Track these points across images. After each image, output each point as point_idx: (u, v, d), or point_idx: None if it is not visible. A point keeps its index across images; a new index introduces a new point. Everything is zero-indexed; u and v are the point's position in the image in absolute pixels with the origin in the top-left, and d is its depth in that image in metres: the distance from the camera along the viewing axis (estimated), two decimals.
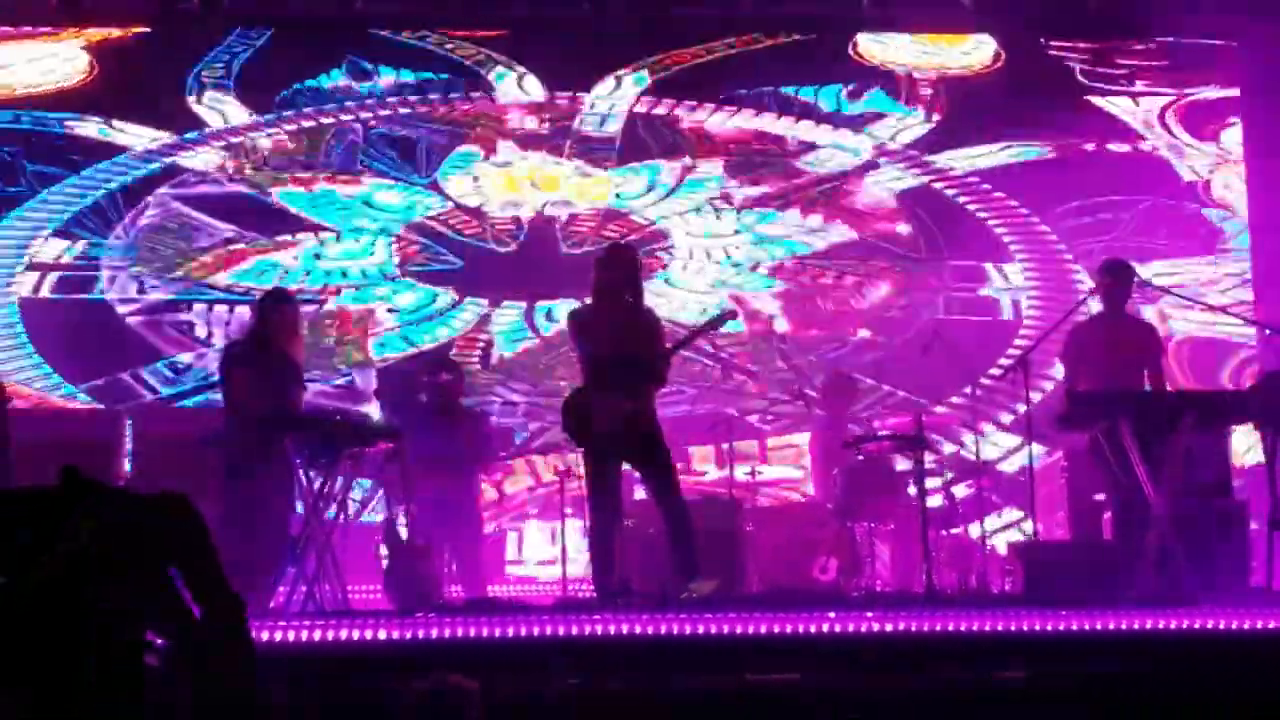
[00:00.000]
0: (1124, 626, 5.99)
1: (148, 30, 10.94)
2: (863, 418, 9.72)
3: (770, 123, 11.20)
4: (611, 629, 5.95)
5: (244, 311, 10.03)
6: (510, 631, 5.87)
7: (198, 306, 10.48)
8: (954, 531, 8.91)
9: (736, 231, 11.02)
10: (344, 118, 10.99)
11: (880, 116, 11.29)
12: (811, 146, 11.18)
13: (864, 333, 10.74)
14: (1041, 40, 11.38)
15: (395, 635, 5.82)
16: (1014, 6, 11.27)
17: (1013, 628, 5.99)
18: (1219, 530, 7.56)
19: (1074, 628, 5.96)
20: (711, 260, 10.88)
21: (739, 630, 5.92)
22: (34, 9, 10.84)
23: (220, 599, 3.59)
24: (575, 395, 7.31)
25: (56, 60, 10.92)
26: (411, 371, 9.51)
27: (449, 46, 11.24)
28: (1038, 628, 5.98)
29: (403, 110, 11.07)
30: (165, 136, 10.81)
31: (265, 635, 5.62)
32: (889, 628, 5.96)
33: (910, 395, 10.25)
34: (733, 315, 8.09)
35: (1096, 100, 11.30)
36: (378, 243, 10.73)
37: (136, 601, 3.51)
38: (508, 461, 9.64)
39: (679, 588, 6.89)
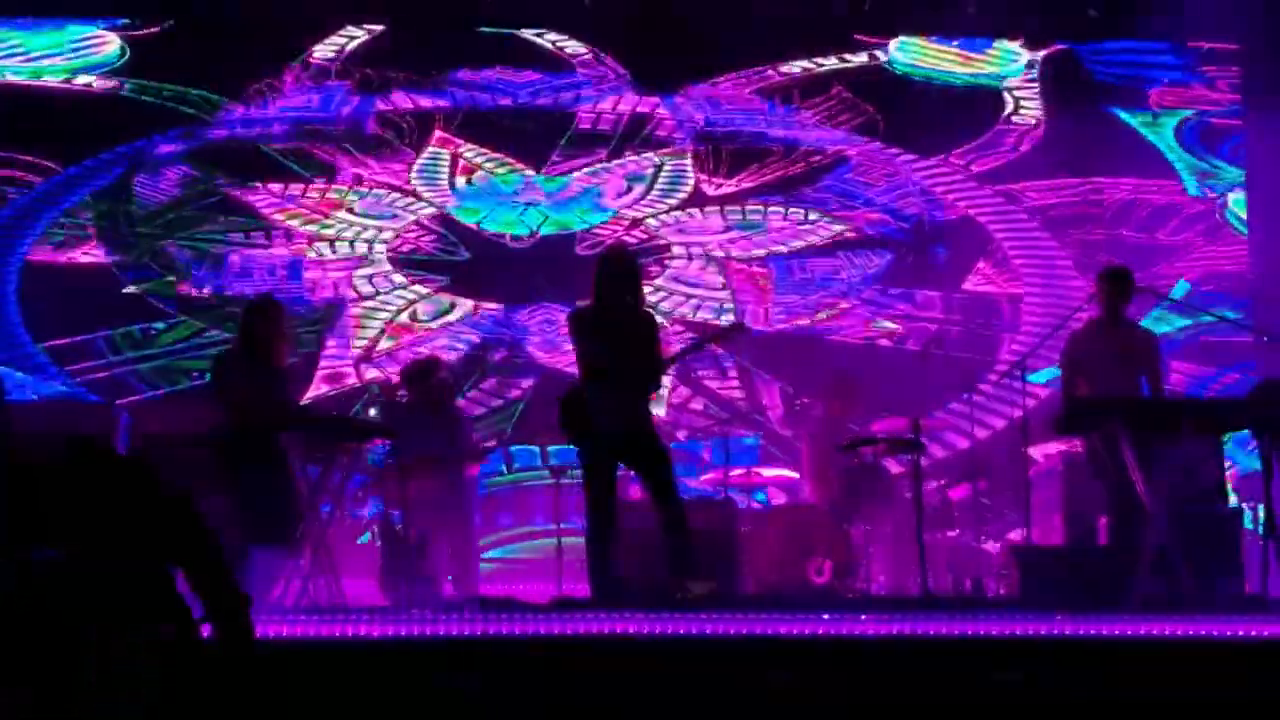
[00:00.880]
0: (1119, 633, 5.98)
1: None
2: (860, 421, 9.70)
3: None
4: (606, 629, 5.94)
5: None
6: (504, 630, 5.86)
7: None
8: (950, 534, 8.91)
9: (727, 229, 11.05)
10: None
11: None
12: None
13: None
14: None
15: (390, 632, 5.81)
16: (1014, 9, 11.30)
17: (1008, 632, 5.97)
18: (1214, 537, 7.58)
19: (1069, 633, 5.95)
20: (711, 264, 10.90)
21: (733, 631, 5.91)
22: None
23: (225, 595, 3.58)
24: (572, 394, 7.30)
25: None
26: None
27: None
28: (1033, 633, 5.96)
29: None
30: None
31: (260, 630, 5.60)
32: (884, 631, 5.95)
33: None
34: (740, 330, 8.13)
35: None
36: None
37: (136, 597, 3.51)
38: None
39: (674, 588, 6.89)
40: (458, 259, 10.85)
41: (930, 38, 11.47)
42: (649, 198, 11.12)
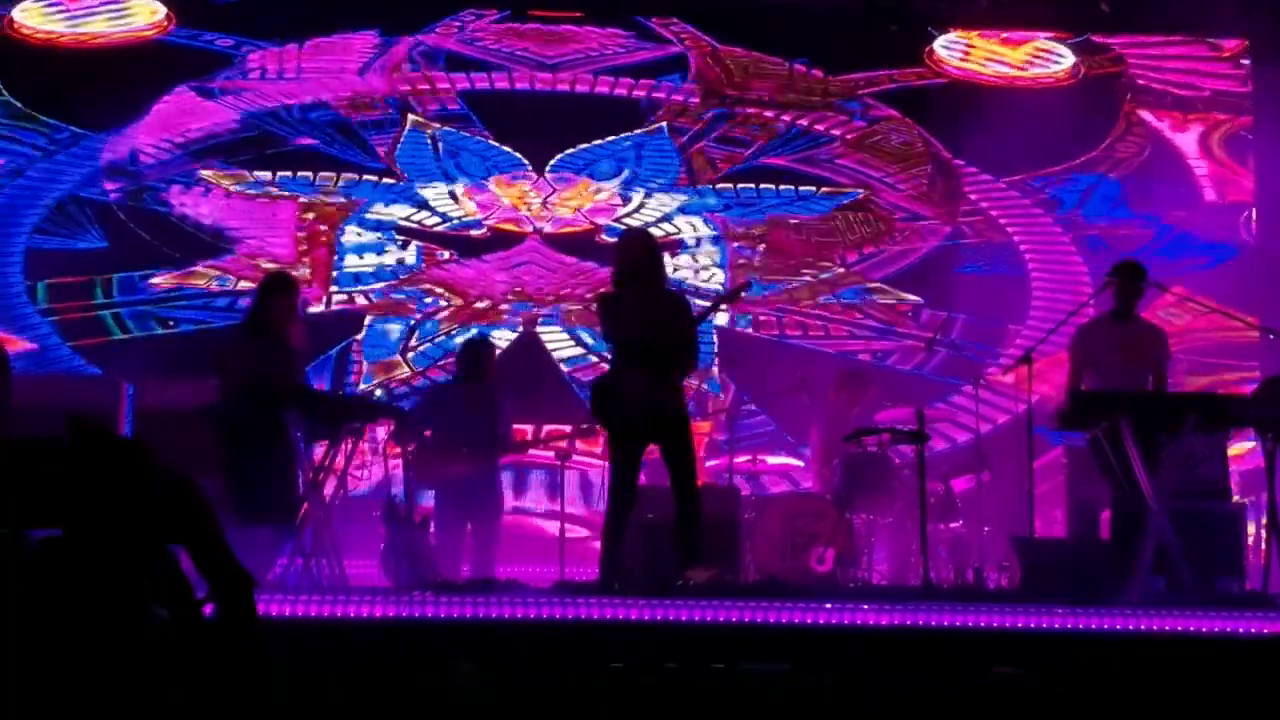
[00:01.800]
0: (1120, 627, 5.99)
1: None
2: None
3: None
4: (609, 613, 5.95)
5: None
6: (506, 613, 5.87)
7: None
8: (952, 525, 8.92)
9: (727, 207, 11.06)
10: None
11: None
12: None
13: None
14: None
15: (391, 613, 5.82)
16: None
17: (1009, 625, 5.98)
18: (1217, 533, 7.57)
19: (1071, 627, 5.96)
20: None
21: (734, 619, 5.92)
22: None
23: (228, 575, 3.59)
24: (604, 376, 7.33)
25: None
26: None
27: None
28: (1034, 625, 5.97)
29: None
30: None
31: (261, 609, 5.61)
32: (885, 621, 5.95)
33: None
34: (746, 286, 8.15)
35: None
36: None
37: (137, 577, 3.51)
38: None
39: (677, 573, 6.90)
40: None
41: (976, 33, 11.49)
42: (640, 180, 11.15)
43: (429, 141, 11.01)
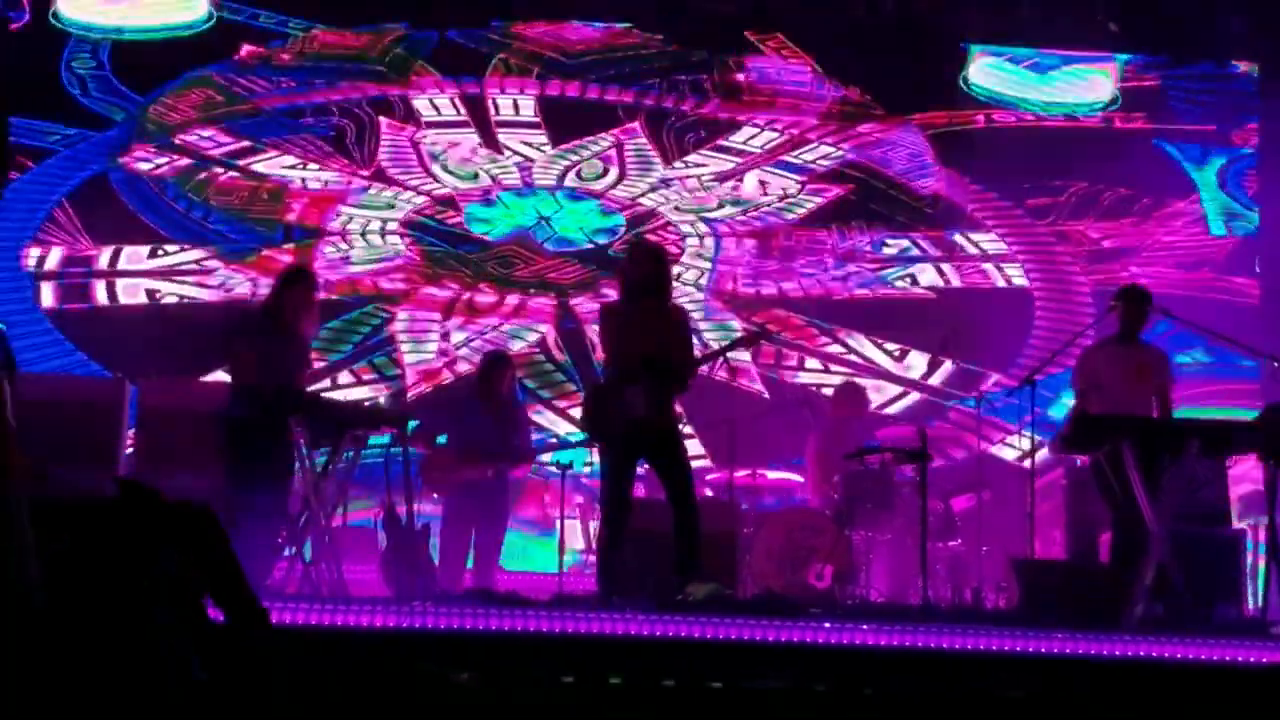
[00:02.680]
0: (1119, 652, 5.99)
1: None
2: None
3: None
4: (606, 628, 5.96)
5: None
6: (505, 625, 5.87)
7: None
8: (951, 544, 8.92)
9: (720, 205, 11.08)
10: None
11: None
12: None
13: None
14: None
15: (391, 623, 5.82)
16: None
17: (1008, 648, 5.99)
18: (1217, 559, 7.58)
19: (1069, 651, 5.96)
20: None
21: (733, 635, 5.92)
22: None
23: (247, 608, 3.60)
24: (599, 389, 7.34)
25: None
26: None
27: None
28: (1033, 649, 5.98)
29: None
30: None
31: None
32: (884, 642, 5.96)
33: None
34: (759, 337, 8.14)
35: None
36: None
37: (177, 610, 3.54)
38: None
39: (676, 588, 6.89)
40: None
41: (1011, 61, 11.53)
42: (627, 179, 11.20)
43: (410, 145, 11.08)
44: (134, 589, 3.57)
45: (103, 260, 10.55)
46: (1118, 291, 7.88)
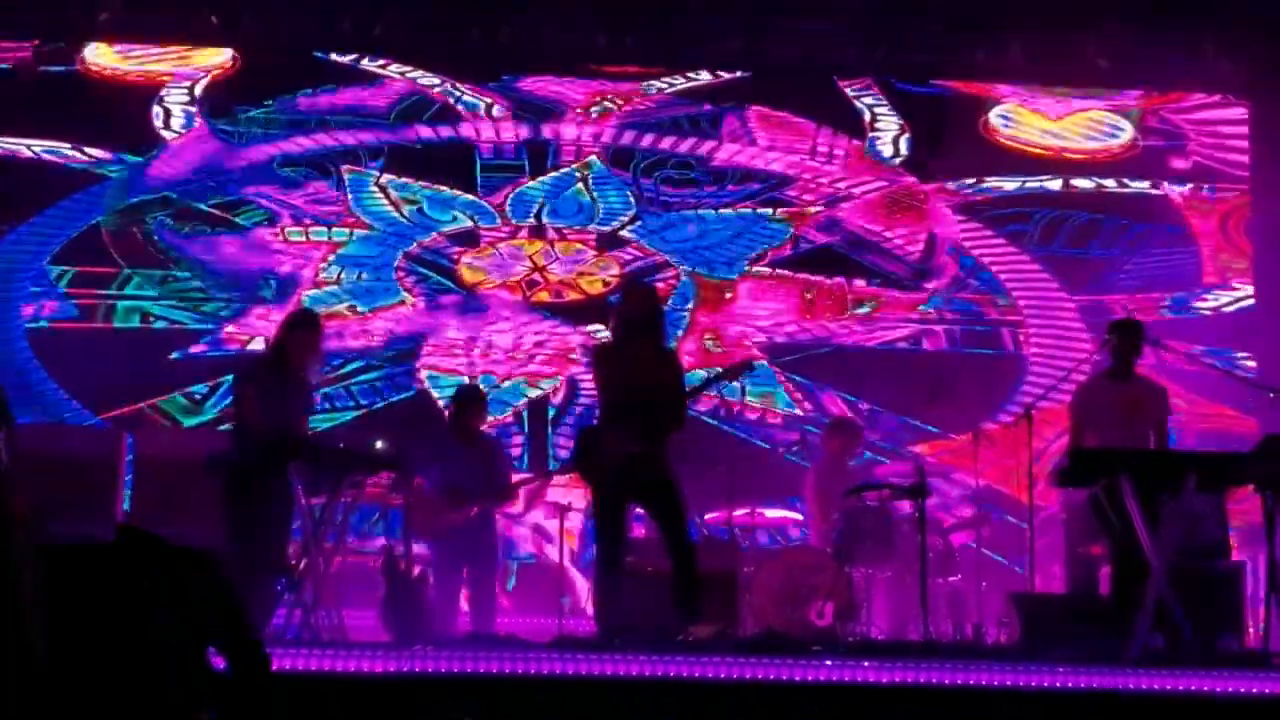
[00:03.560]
0: (1120, 686, 5.98)
1: None
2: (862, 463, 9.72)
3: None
4: (609, 669, 5.94)
5: None
6: (505, 668, 5.86)
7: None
8: (951, 579, 8.91)
9: (701, 234, 11.13)
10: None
11: None
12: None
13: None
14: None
15: (391, 668, 5.81)
16: None
17: (1010, 683, 5.97)
18: (1216, 592, 7.57)
19: (1071, 685, 5.95)
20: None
21: (735, 675, 5.90)
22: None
23: (249, 655, 3.60)
24: (590, 430, 7.32)
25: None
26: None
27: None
28: (1035, 684, 5.96)
29: None
30: None
31: None
32: (886, 679, 5.95)
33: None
34: (750, 367, 8.14)
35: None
36: None
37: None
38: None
39: (678, 629, 6.88)
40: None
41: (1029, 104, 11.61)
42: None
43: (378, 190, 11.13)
44: (136, 636, 3.57)
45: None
46: (1110, 325, 7.88)
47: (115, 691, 3.48)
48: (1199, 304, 11.16)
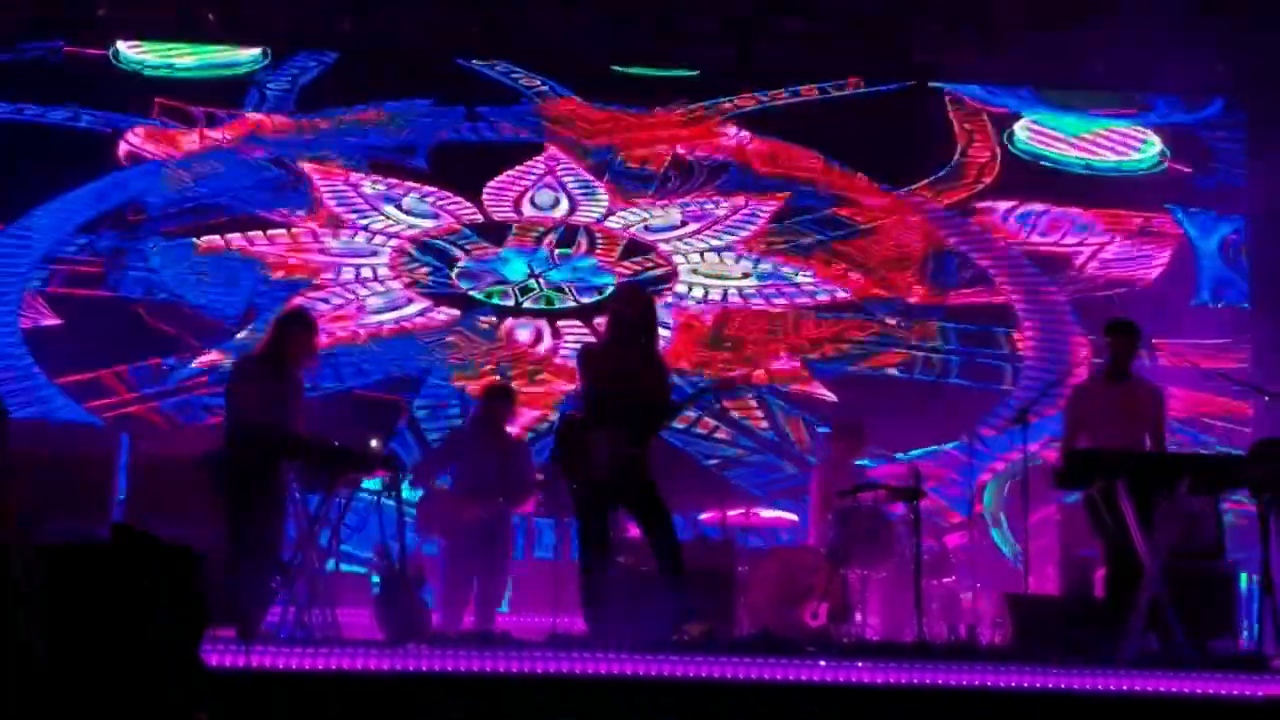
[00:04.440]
0: (1114, 687, 5.99)
1: None
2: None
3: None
4: (600, 668, 5.94)
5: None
6: (499, 667, 5.85)
7: None
8: (945, 581, 8.92)
9: (745, 275, 11.12)
10: None
11: None
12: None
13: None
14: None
15: (385, 666, 5.81)
16: None
17: (1004, 684, 5.98)
18: (1211, 593, 7.58)
19: (1065, 686, 5.96)
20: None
21: (728, 675, 5.91)
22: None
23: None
24: (571, 428, 7.22)
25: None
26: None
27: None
28: (1029, 685, 5.97)
29: None
30: None
31: (255, 661, 5.63)
32: (879, 679, 5.95)
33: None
34: (745, 380, 8.10)
35: None
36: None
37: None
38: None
39: (670, 629, 6.87)
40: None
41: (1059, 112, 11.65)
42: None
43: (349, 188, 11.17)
44: (133, 634, 3.57)
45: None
46: (1105, 326, 7.82)
47: (112, 689, 3.48)
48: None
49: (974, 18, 11.05)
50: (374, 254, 11.03)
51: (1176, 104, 11.72)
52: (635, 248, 11.19)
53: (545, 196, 11.37)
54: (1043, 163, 11.63)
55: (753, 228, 11.28)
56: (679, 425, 9.88)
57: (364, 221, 11.11)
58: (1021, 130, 11.67)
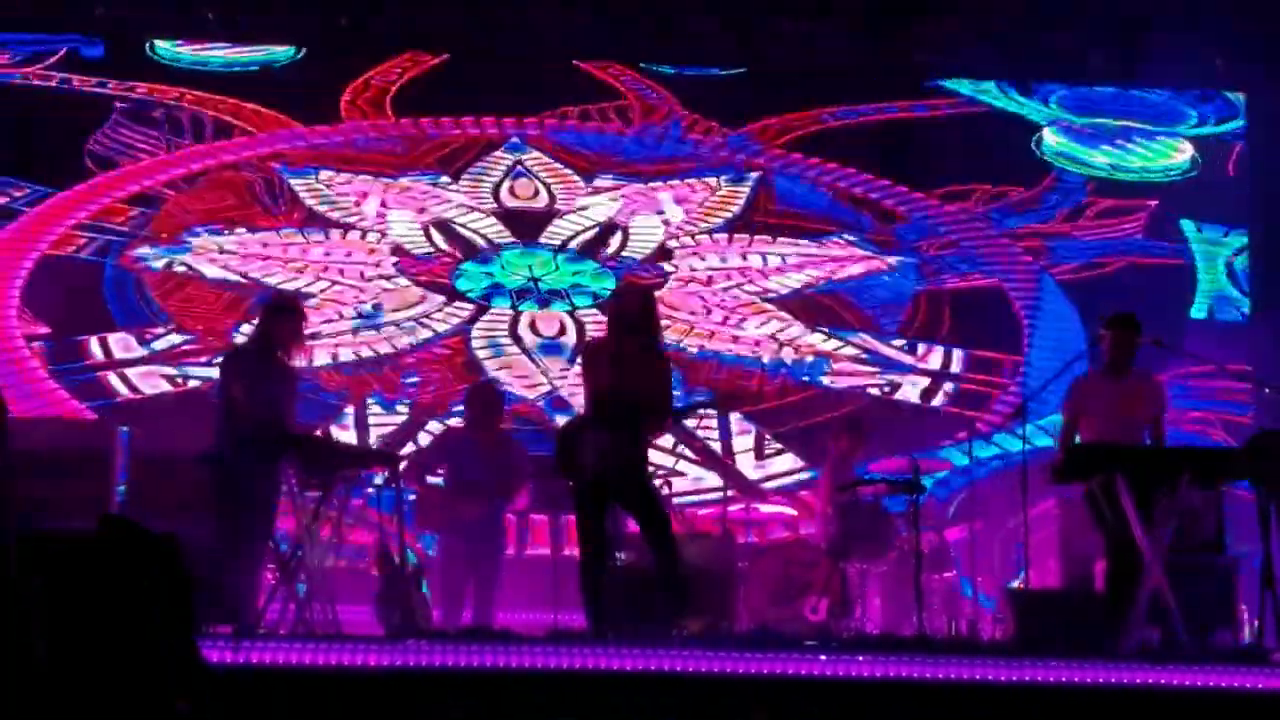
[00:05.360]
0: (1115, 680, 5.98)
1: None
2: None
3: None
4: (601, 663, 5.93)
5: None
6: (498, 662, 5.85)
7: None
8: (945, 575, 8.92)
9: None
10: None
11: None
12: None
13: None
14: None
15: (385, 662, 5.80)
16: None
17: (1004, 678, 5.97)
18: (1212, 587, 7.56)
19: (1065, 680, 5.95)
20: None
21: (728, 669, 5.90)
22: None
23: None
24: (571, 427, 7.25)
25: None
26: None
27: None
28: (1029, 678, 5.96)
29: None
30: None
31: (254, 656, 5.62)
32: (879, 674, 5.95)
33: None
34: (732, 401, 8.11)
35: None
36: None
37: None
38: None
39: (669, 624, 6.87)
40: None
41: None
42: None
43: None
44: (126, 626, 3.56)
45: (95, 351, 10.36)
46: (1106, 320, 7.76)
47: (106, 681, 3.47)
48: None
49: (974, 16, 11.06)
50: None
51: (1207, 115, 11.66)
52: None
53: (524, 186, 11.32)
54: (1069, 166, 11.57)
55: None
56: None
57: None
58: (1049, 135, 11.61)
